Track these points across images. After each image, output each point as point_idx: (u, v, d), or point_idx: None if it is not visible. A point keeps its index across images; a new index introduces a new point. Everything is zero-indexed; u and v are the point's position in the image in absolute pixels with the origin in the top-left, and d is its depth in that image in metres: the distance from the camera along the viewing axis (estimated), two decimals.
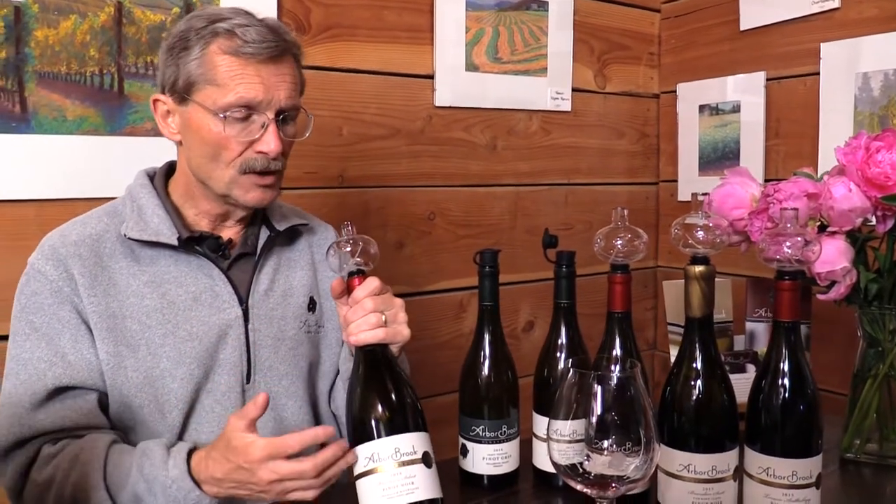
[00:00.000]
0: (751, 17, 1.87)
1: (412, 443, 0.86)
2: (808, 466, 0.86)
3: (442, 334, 1.81)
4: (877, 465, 1.10)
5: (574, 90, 1.99)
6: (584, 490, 0.74)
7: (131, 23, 1.37)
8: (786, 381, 0.87)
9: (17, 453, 0.97)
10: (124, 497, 0.91)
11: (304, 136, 1.09)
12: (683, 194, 2.09)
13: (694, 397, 0.88)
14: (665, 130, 2.16)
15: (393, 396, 0.89)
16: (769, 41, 1.84)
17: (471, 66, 1.80)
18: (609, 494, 0.74)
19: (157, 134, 1.31)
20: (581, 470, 0.74)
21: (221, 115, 0.98)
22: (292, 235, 1.17)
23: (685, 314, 0.89)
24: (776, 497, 0.86)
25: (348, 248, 0.93)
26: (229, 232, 1.11)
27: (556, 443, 0.75)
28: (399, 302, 0.96)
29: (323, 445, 0.88)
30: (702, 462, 0.86)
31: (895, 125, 1.59)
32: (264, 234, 1.13)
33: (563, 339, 1.03)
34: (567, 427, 0.74)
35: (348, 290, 0.95)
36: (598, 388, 0.72)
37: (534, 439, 1.04)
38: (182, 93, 1.01)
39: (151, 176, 1.11)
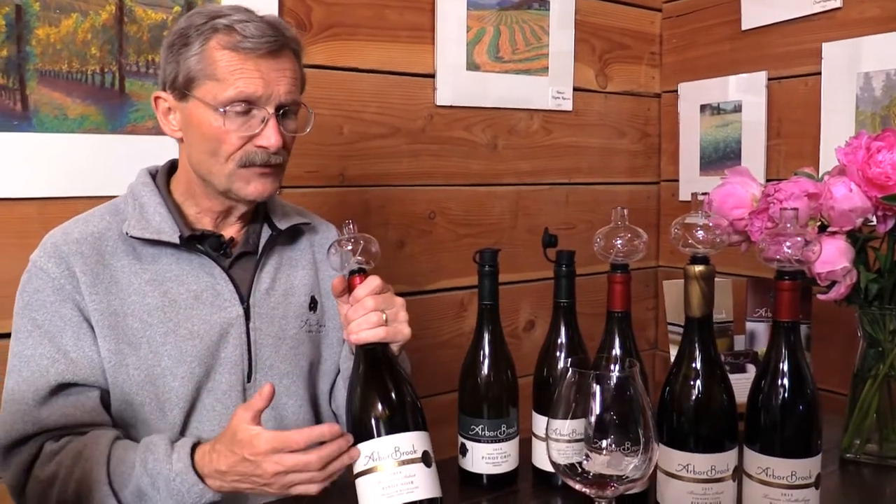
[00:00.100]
0: (752, 16, 1.87)
1: (412, 442, 0.86)
2: (808, 467, 0.86)
3: (442, 333, 1.81)
4: (876, 466, 1.10)
5: (575, 89, 1.99)
6: (583, 490, 0.74)
7: (132, 21, 1.37)
8: (785, 381, 0.87)
9: (19, 450, 0.98)
10: (128, 492, 0.92)
11: (305, 132, 1.09)
12: (684, 194, 2.08)
13: (693, 397, 0.88)
14: (666, 130, 2.16)
15: (393, 395, 0.89)
16: (770, 41, 1.84)
17: (472, 66, 1.80)
18: (608, 494, 0.74)
19: (158, 132, 1.31)
20: (580, 469, 0.74)
21: (221, 110, 0.98)
22: (294, 234, 1.17)
23: (685, 314, 0.89)
24: (775, 497, 0.86)
25: (349, 247, 0.93)
26: (231, 230, 1.11)
27: (555, 442, 0.75)
28: (400, 301, 0.97)
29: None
30: (701, 462, 0.86)
31: None
32: (266, 232, 1.14)
33: (562, 339, 1.03)
34: (566, 426, 0.74)
35: (349, 288, 0.95)
36: (596, 388, 0.72)
37: (533, 439, 1.04)
38: (182, 89, 1.01)
39: (153, 174, 1.11)
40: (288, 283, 1.14)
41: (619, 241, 0.93)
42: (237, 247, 1.11)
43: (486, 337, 1.04)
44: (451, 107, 1.79)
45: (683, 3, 2.08)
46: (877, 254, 1.09)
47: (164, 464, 0.90)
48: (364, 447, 0.86)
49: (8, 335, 1.03)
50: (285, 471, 0.86)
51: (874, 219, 1.07)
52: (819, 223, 1.08)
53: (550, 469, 0.78)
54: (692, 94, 2.05)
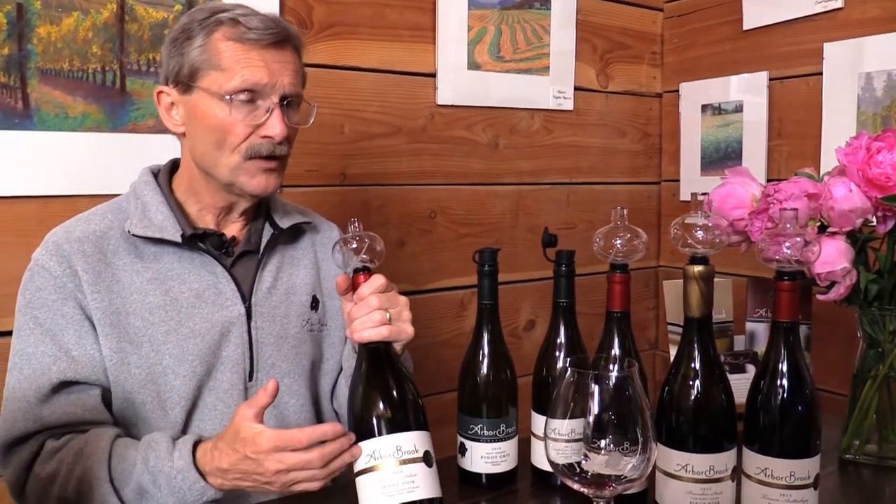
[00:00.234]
0: (754, 16, 1.87)
1: (414, 441, 0.86)
2: (806, 467, 0.86)
3: (443, 333, 1.81)
4: (876, 467, 1.10)
5: (576, 89, 1.99)
6: (582, 489, 0.74)
7: (133, 20, 1.38)
8: (784, 381, 0.87)
9: (20, 448, 0.98)
10: (129, 490, 0.92)
11: (308, 124, 1.10)
12: (685, 194, 2.08)
13: (692, 397, 0.88)
14: (667, 130, 2.16)
15: (395, 394, 0.89)
16: (772, 41, 1.84)
17: (473, 65, 1.80)
18: (606, 494, 0.74)
19: (159, 131, 1.31)
20: (578, 469, 0.74)
21: (228, 98, 0.99)
22: (295, 233, 1.18)
23: (684, 314, 0.89)
24: (774, 497, 0.86)
25: (354, 245, 0.93)
26: (233, 229, 1.11)
27: (554, 442, 0.75)
28: (403, 300, 0.97)
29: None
30: (700, 462, 0.86)
31: None
32: (268, 231, 1.14)
33: (562, 339, 1.03)
34: (565, 426, 0.74)
35: (353, 286, 0.95)
36: (595, 388, 0.72)
37: (532, 438, 1.05)
38: (187, 81, 1.02)
39: (155, 173, 1.11)
40: (290, 282, 1.14)
41: (618, 241, 0.93)
42: (239, 245, 1.11)
43: (486, 336, 1.04)
44: (452, 106, 1.79)
45: (685, 2, 2.08)
46: (877, 254, 1.09)
47: (166, 461, 0.91)
48: (365, 446, 0.86)
49: (9, 333, 1.03)
50: (287, 469, 0.86)
51: (874, 219, 1.07)
52: (819, 223, 1.08)
53: (549, 469, 0.78)
54: (693, 94, 2.05)
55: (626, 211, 0.94)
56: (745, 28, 1.89)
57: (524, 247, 1.92)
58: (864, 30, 1.65)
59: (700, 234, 0.88)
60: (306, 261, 1.17)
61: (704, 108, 2.01)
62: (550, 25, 1.91)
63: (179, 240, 1.04)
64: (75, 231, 1.03)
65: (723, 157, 1.97)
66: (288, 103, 1.04)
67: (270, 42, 1.00)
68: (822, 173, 1.13)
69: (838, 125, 1.68)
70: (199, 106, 1.02)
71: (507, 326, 1.08)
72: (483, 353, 1.04)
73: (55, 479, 0.94)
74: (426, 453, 0.86)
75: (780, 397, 0.87)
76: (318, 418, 1.16)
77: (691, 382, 0.88)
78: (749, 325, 1.30)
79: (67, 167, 1.33)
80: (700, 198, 0.95)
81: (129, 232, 1.03)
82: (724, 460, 0.86)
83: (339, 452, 0.86)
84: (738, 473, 0.89)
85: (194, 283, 1.05)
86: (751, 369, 1.25)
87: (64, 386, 0.99)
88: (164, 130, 1.09)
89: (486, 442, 1.02)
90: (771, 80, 1.85)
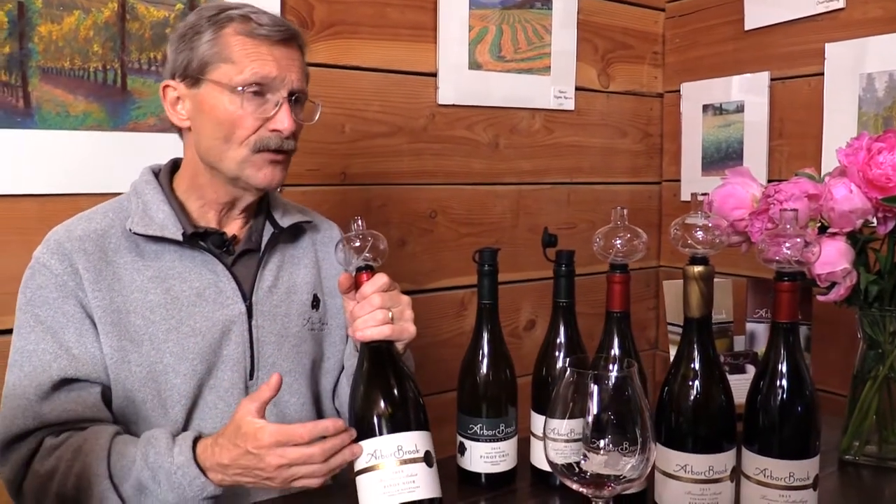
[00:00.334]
0: (755, 16, 1.87)
1: (415, 441, 0.86)
2: (805, 468, 0.86)
3: (443, 332, 1.81)
4: (875, 468, 1.10)
5: (577, 89, 1.99)
6: (581, 489, 0.74)
7: (135, 19, 1.38)
8: (784, 382, 0.87)
9: (19, 445, 0.98)
10: (128, 486, 0.92)
11: (313, 121, 1.12)
12: (686, 194, 2.08)
13: (691, 398, 0.88)
14: (668, 130, 2.16)
15: (397, 393, 0.89)
16: (773, 41, 1.84)
17: (474, 65, 1.80)
18: (605, 494, 0.74)
19: (160, 130, 1.31)
20: (577, 469, 0.74)
21: (239, 89, 1.00)
22: (296, 232, 1.18)
23: (684, 314, 0.89)
24: (773, 498, 0.86)
25: (357, 244, 0.93)
26: (233, 227, 1.12)
27: (553, 442, 0.75)
28: (406, 299, 0.97)
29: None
30: (699, 462, 0.86)
31: None
32: (268, 230, 1.14)
33: (561, 338, 1.03)
34: (564, 426, 0.74)
35: (356, 285, 0.95)
36: (594, 388, 0.72)
37: (532, 438, 1.05)
38: (196, 74, 1.02)
39: (156, 172, 1.12)
40: (290, 280, 1.14)
41: (618, 241, 0.93)
42: (240, 244, 1.12)
43: (486, 336, 1.04)
44: (452, 106, 1.79)
45: (686, 2, 2.08)
46: (877, 255, 1.09)
47: (166, 457, 0.91)
48: (366, 445, 0.86)
49: (10, 331, 1.03)
50: (288, 464, 0.86)
51: (874, 220, 1.06)
52: (819, 224, 1.08)
53: (549, 469, 0.78)
54: (695, 94, 2.04)
55: (626, 211, 0.94)
56: (746, 28, 1.89)
57: (524, 246, 1.92)
58: (865, 30, 1.64)
59: (700, 234, 0.88)
60: (307, 260, 1.17)
61: (706, 108, 2.01)
62: (552, 25, 1.91)
63: (180, 238, 1.04)
64: (76, 229, 1.03)
65: (724, 158, 1.97)
66: (295, 99, 1.05)
67: (279, 39, 1.02)
68: (822, 174, 1.13)
69: (839, 126, 1.68)
70: (207, 99, 1.02)
71: (507, 326, 1.08)
72: (483, 353, 1.04)
73: (54, 475, 0.94)
74: (427, 453, 0.86)
75: (779, 398, 0.87)
76: (319, 417, 1.16)
77: (691, 383, 0.88)
78: (749, 326, 1.30)
79: (68, 166, 1.33)
80: (700, 198, 0.95)
81: (130, 230, 1.03)
82: (723, 461, 0.86)
83: (340, 448, 0.87)
84: (737, 474, 0.89)
85: (195, 282, 1.05)
86: (750, 370, 1.25)
87: (64, 383, 0.99)
88: (166, 129, 1.09)
89: (486, 442, 1.02)
90: (772, 80, 1.84)
